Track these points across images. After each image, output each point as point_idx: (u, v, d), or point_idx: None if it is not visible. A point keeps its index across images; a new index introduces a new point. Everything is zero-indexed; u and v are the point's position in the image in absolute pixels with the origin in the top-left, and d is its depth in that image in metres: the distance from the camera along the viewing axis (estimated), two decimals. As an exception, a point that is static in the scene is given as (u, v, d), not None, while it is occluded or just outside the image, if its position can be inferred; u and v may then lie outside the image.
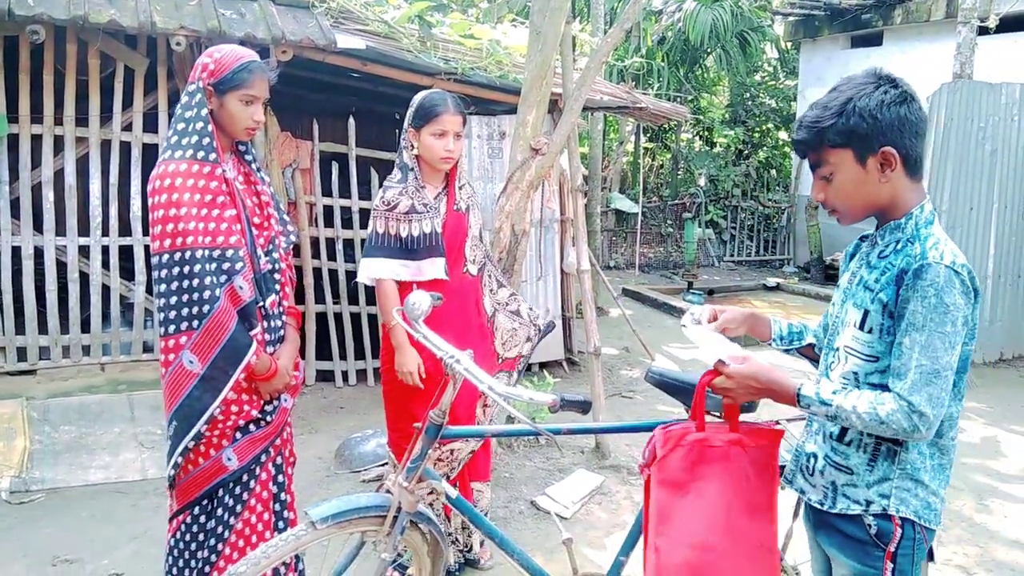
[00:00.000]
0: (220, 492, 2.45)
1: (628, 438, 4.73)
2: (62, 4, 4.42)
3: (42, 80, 4.98)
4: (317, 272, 5.88)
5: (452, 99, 3.05)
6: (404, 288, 2.98)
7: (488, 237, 3.96)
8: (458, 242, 3.15)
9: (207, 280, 2.29)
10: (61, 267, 5.11)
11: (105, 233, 5.19)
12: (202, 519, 2.46)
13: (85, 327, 5.19)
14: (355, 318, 6.02)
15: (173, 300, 2.31)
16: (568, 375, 6.25)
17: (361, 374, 5.95)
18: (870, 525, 1.76)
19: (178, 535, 2.47)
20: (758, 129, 13.92)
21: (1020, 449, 4.99)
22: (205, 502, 2.45)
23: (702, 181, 12.68)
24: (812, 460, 1.87)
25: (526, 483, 4.23)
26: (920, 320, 1.64)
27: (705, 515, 1.94)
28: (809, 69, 11.68)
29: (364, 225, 5.61)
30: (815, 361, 2.04)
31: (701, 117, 13.67)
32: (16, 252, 5.02)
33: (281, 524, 2.60)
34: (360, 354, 5.97)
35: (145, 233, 4.91)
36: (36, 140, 5.02)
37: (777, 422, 2.10)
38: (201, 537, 2.47)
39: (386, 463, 4.04)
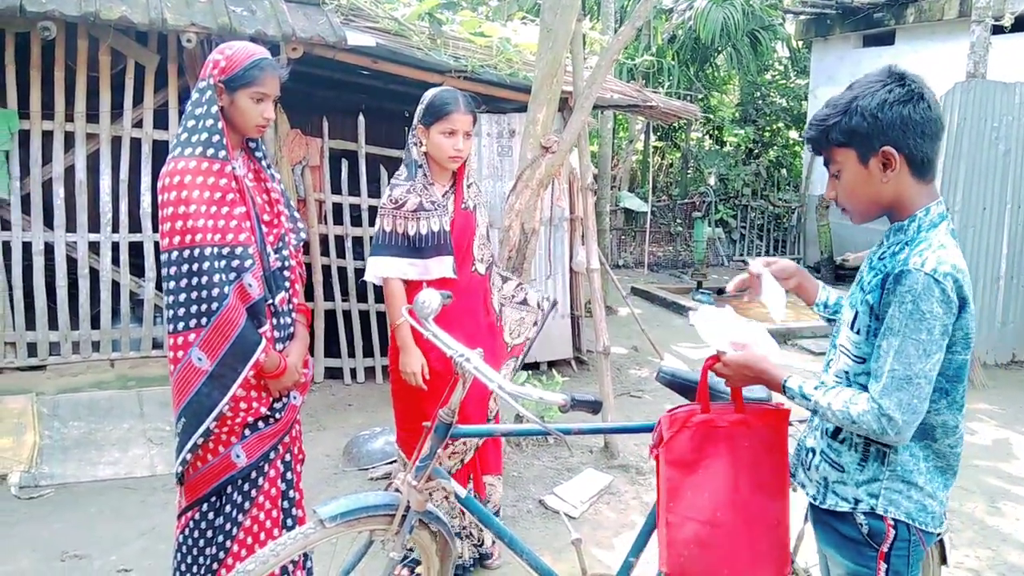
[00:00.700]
0: (229, 489, 2.45)
1: (637, 438, 4.72)
2: (73, 1, 4.43)
3: (53, 76, 5.00)
4: (326, 269, 5.89)
5: (463, 98, 3.03)
6: (412, 287, 2.97)
7: (496, 235, 3.95)
8: (466, 241, 3.13)
9: (216, 277, 2.29)
10: (71, 263, 5.13)
11: (115, 229, 5.21)
12: (211, 516, 2.46)
13: (95, 323, 5.21)
14: (364, 315, 6.02)
15: (182, 297, 2.30)
16: (577, 374, 6.23)
17: (369, 371, 5.95)
18: (862, 524, 1.77)
19: (186, 532, 2.47)
20: (768, 128, 13.86)
21: (1032, 452, 4.96)
22: (214, 499, 2.45)
23: (712, 180, 12.65)
24: (811, 455, 1.91)
25: (534, 482, 4.22)
26: (897, 325, 1.64)
27: (713, 492, 1.99)
28: (820, 68, 11.62)
29: (373, 223, 5.60)
30: None
31: (711, 116, 13.62)
32: (27, 248, 5.05)
33: (290, 521, 2.60)
34: (368, 351, 5.97)
35: (155, 229, 4.93)
36: (47, 136, 5.04)
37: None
38: (210, 534, 2.46)
39: (394, 461, 4.04)
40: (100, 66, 5.06)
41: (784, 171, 13.40)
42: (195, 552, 2.47)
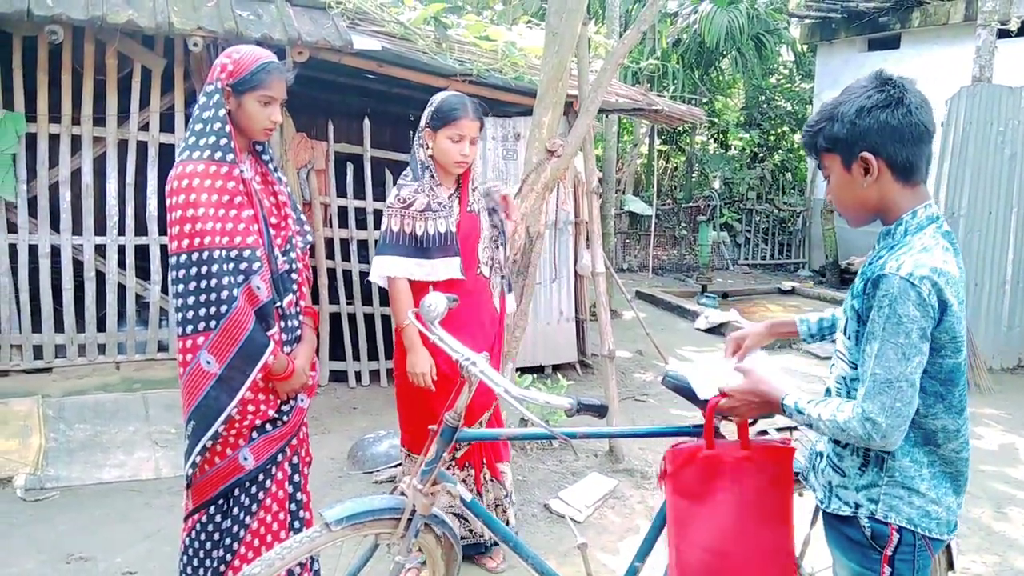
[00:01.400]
0: (236, 491, 2.45)
1: (642, 442, 4.72)
2: (80, 5, 4.44)
3: (60, 80, 5.01)
4: (331, 272, 5.90)
5: (472, 104, 3.04)
6: (418, 289, 2.97)
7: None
8: (472, 243, 3.14)
9: (224, 280, 2.29)
10: (77, 266, 5.14)
11: (121, 232, 5.22)
12: (218, 518, 2.46)
13: (101, 326, 5.21)
14: (368, 319, 6.03)
15: (191, 300, 2.31)
16: (581, 378, 6.22)
17: (374, 375, 5.95)
18: (865, 527, 1.78)
19: (193, 534, 2.48)
20: (773, 132, 13.87)
21: (1039, 457, 4.94)
22: (221, 501, 2.45)
23: (716, 184, 12.64)
24: (819, 459, 1.93)
25: (539, 486, 4.21)
26: (877, 330, 1.65)
27: (720, 524, 2.03)
28: (825, 72, 11.61)
29: (378, 226, 5.61)
30: None
31: (716, 120, 13.62)
32: (33, 251, 5.06)
33: (296, 524, 2.60)
34: (373, 355, 5.97)
35: (161, 233, 4.93)
36: (54, 139, 5.05)
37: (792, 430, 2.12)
38: (216, 537, 2.47)
39: (399, 464, 4.04)
40: (107, 70, 5.07)
41: (789, 175, 13.40)
42: (202, 555, 2.47)
